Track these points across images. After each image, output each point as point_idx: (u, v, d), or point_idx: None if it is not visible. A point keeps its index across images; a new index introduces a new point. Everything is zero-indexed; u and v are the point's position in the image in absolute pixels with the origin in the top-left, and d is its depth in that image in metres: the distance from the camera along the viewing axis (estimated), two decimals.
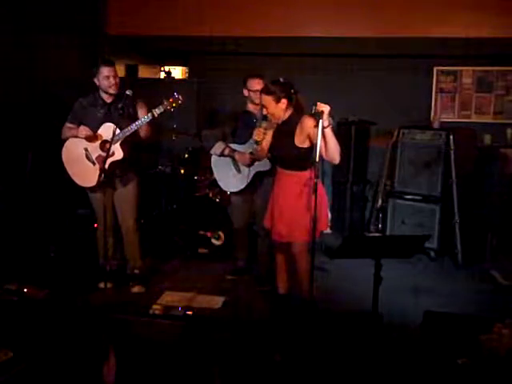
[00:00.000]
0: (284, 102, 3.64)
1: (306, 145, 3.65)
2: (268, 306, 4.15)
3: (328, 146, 3.52)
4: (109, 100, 4.22)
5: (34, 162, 5.63)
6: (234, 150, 4.52)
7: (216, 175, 4.73)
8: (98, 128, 4.16)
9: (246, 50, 6.30)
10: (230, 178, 4.62)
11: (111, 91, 4.17)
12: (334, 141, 3.55)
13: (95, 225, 4.62)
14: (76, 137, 4.21)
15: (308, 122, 3.58)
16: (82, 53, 6.53)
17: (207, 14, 6.29)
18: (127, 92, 4.12)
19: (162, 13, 6.37)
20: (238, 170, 4.56)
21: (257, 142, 3.69)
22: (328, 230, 3.91)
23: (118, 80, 4.18)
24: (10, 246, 4.84)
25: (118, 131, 4.06)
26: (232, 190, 4.68)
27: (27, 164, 5.59)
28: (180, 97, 4.11)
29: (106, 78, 4.13)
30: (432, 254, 5.42)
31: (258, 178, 4.54)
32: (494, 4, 5.63)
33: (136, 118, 4.17)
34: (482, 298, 4.42)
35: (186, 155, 5.75)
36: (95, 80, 4.20)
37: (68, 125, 4.29)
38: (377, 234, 5.78)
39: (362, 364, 3.22)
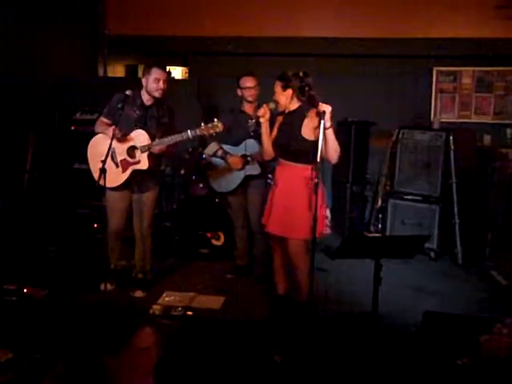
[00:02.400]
0: (289, 92, 3.72)
1: (312, 138, 3.67)
2: (268, 306, 4.15)
3: (327, 147, 3.57)
4: (148, 103, 4.15)
5: (34, 161, 5.63)
6: (227, 153, 4.54)
7: (208, 175, 4.78)
8: (130, 128, 4.06)
9: (245, 51, 6.30)
10: (221, 178, 4.65)
11: (157, 95, 4.09)
12: (334, 142, 3.59)
13: (95, 225, 4.62)
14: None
15: (314, 115, 3.63)
16: (82, 53, 6.54)
17: (207, 14, 6.30)
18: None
19: (161, 13, 6.37)
20: (230, 172, 4.58)
21: (258, 118, 3.76)
22: (328, 231, 3.91)
23: (165, 86, 4.10)
24: (9, 246, 4.84)
25: (148, 141, 4.02)
26: (222, 191, 4.73)
27: (27, 163, 5.60)
28: (220, 124, 3.97)
29: (156, 81, 4.06)
30: (432, 254, 5.42)
31: (252, 179, 4.57)
32: (493, 4, 5.64)
33: (170, 129, 4.12)
34: (481, 298, 4.42)
35: (186, 155, 5.75)
36: (143, 79, 4.12)
37: (102, 119, 4.22)
38: (376, 235, 5.78)
39: (362, 364, 3.22)
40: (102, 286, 4.17)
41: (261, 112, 3.75)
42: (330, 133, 3.55)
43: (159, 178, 4.48)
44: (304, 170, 3.69)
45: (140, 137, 4.05)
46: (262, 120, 3.76)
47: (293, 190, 3.72)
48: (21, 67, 5.70)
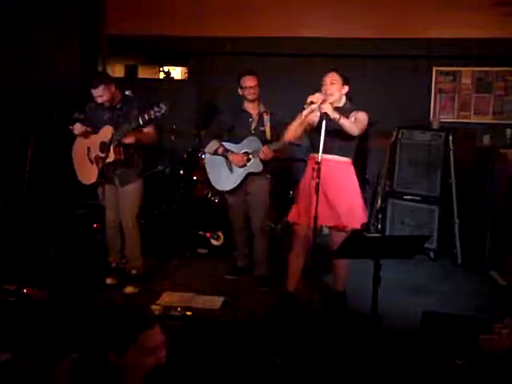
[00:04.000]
0: (346, 88, 3.93)
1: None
2: (270, 305, 4.16)
3: (344, 129, 3.72)
4: (113, 103, 4.27)
5: (33, 161, 5.63)
6: (228, 150, 4.54)
7: (208, 173, 4.76)
8: (102, 127, 4.24)
9: (245, 50, 6.30)
10: (221, 176, 4.65)
11: (106, 104, 4.23)
12: (347, 123, 3.72)
13: (95, 225, 4.64)
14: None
15: (362, 116, 3.86)
16: (82, 53, 6.54)
17: (206, 14, 6.29)
18: (126, 92, 4.17)
19: (161, 13, 6.37)
20: (231, 170, 4.58)
21: (311, 103, 3.68)
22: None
23: (109, 95, 4.18)
24: (9, 246, 4.84)
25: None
26: (222, 189, 4.72)
27: (26, 163, 5.59)
28: (164, 106, 4.00)
29: (98, 97, 4.18)
30: (431, 254, 5.42)
31: (254, 179, 4.57)
32: (493, 5, 5.64)
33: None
34: (480, 299, 4.42)
35: (186, 156, 5.75)
36: None
37: (79, 124, 4.39)
38: (376, 235, 5.78)
39: (361, 364, 3.22)
40: (108, 280, 4.42)
41: (316, 98, 3.67)
42: (343, 121, 3.68)
43: (141, 170, 4.48)
44: (347, 163, 3.96)
45: (106, 131, 4.17)
46: (313, 106, 3.68)
47: (342, 181, 3.91)
48: (20, 67, 5.70)
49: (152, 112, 4.03)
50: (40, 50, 5.94)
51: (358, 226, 3.93)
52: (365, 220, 4.05)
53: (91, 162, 4.31)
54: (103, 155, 4.18)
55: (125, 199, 4.37)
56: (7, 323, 3.54)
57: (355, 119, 3.83)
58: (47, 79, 5.87)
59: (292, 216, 4.06)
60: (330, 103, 3.71)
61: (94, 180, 4.24)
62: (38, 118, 5.77)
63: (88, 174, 4.30)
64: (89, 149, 4.32)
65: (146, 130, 4.20)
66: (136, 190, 4.39)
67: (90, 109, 4.39)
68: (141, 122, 4.07)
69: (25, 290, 4.02)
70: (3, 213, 5.28)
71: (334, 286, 4.19)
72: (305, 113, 3.74)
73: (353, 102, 4.01)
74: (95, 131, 4.29)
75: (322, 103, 3.64)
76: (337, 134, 3.78)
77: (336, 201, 3.87)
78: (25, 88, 5.67)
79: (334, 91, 3.86)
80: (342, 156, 3.92)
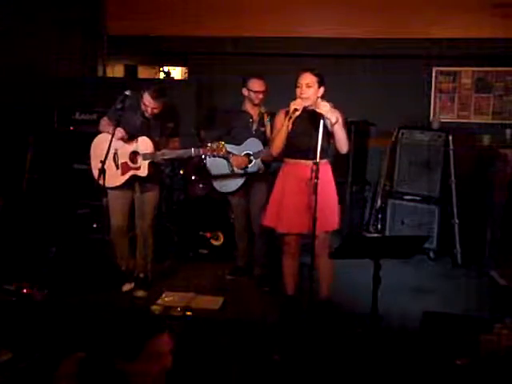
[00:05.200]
0: (322, 90, 3.75)
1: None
2: (267, 306, 4.16)
3: (336, 139, 3.67)
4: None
5: (34, 161, 5.63)
6: (229, 152, 4.55)
7: (211, 176, 4.78)
8: (134, 133, 4.13)
9: (245, 50, 6.30)
10: (223, 178, 4.66)
11: (146, 115, 4.13)
12: (341, 134, 3.68)
13: (95, 225, 4.63)
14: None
15: (342, 118, 3.75)
16: (81, 53, 6.54)
17: (206, 14, 6.29)
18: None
19: (161, 13, 6.37)
20: (232, 171, 4.59)
21: (295, 110, 3.66)
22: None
23: (157, 110, 4.06)
24: (9, 246, 4.84)
25: (152, 149, 4.08)
26: (225, 191, 4.73)
27: (26, 163, 5.60)
28: (224, 148, 4.09)
29: (153, 109, 4.06)
30: (431, 254, 5.43)
31: (254, 179, 4.58)
32: (493, 5, 5.64)
33: (174, 133, 4.24)
34: (481, 299, 4.42)
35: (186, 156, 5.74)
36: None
37: (105, 119, 4.26)
38: (376, 235, 5.78)
39: (361, 365, 3.22)
40: (126, 287, 4.42)
41: (298, 105, 3.65)
42: (337, 127, 3.62)
43: (159, 177, 4.51)
44: (327, 163, 3.83)
45: (144, 144, 4.10)
46: (297, 113, 3.66)
47: (322, 187, 3.64)
48: (21, 67, 5.70)
49: (210, 149, 4.05)
50: (40, 49, 5.93)
51: (329, 229, 3.86)
52: (335, 227, 3.91)
53: (116, 167, 4.15)
54: (134, 166, 4.13)
55: (144, 205, 4.32)
56: (7, 323, 3.54)
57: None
58: (47, 79, 5.87)
59: (269, 220, 3.99)
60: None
61: (118, 184, 4.18)
62: (38, 118, 5.77)
63: (109, 177, 3.99)
64: (116, 151, 4.12)
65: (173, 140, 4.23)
66: (155, 196, 4.37)
67: (123, 105, 4.10)
68: (192, 154, 4.11)
69: (25, 291, 4.02)
70: (3, 213, 5.28)
71: (320, 291, 3.93)
72: (290, 121, 3.71)
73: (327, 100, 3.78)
74: (130, 137, 4.13)
75: (319, 103, 3.63)
76: (315, 137, 3.64)
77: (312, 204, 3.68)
78: (25, 88, 5.67)
79: (310, 95, 3.70)
80: (320, 158, 3.65)
